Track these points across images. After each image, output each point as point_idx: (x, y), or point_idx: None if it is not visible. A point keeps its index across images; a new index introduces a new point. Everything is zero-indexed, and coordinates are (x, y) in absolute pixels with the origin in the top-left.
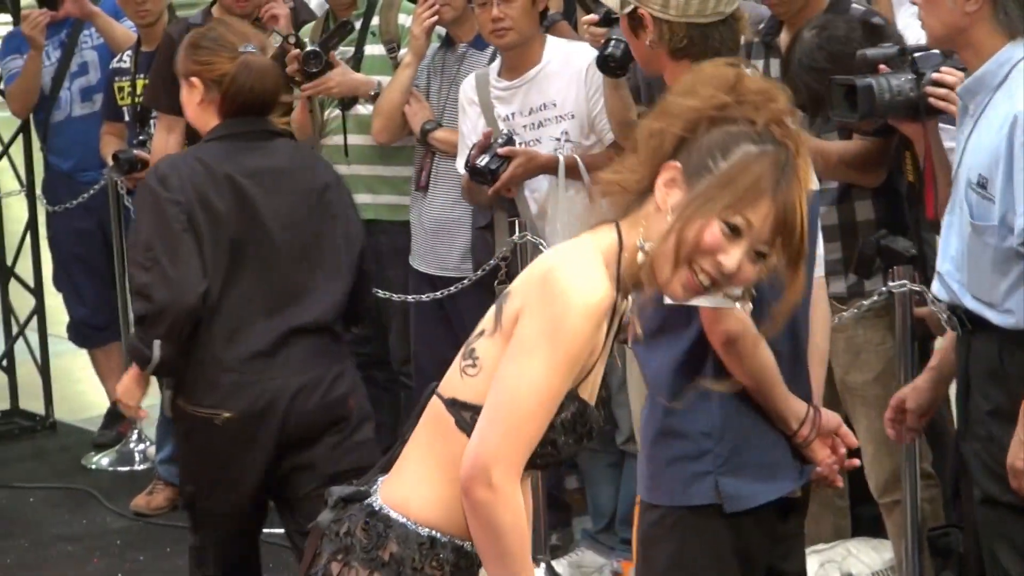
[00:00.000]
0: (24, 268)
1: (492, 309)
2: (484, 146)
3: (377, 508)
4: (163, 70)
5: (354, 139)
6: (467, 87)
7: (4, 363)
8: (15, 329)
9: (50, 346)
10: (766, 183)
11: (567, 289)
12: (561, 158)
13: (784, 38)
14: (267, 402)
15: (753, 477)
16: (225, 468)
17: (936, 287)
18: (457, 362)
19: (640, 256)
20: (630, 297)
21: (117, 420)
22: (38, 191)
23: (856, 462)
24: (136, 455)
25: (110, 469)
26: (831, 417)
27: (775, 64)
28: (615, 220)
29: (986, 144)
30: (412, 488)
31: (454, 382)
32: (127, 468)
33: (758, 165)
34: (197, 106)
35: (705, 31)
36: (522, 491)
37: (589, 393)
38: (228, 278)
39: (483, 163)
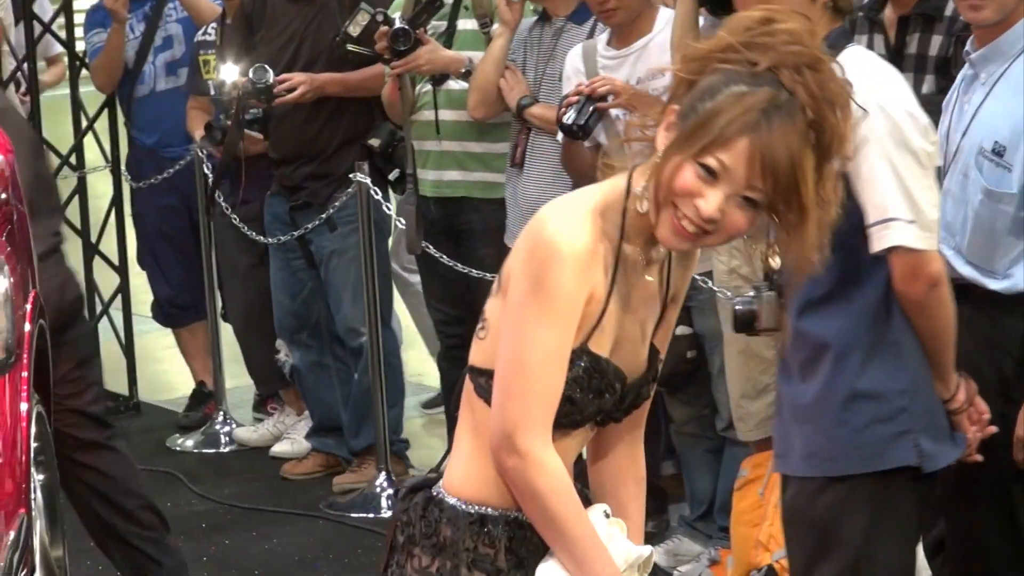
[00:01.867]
0: (108, 246)
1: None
2: (571, 102)
3: (435, 493)
4: (235, 39)
5: (445, 115)
6: (573, 56)
7: None
8: (99, 308)
9: (134, 325)
10: (743, 123)
11: (546, 242)
12: None
13: (889, 14)
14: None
15: (941, 437)
16: None
17: None
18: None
19: (644, 204)
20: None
21: (202, 401)
22: (122, 167)
23: (994, 429)
24: (222, 437)
25: (195, 451)
26: (971, 385)
27: (879, 40)
28: (631, 167)
29: (1005, 112)
30: (460, 466)
31: (473, 349)
32: (212, 450)
33: (738, 105)
34: None
35: None
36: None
37: (605, 347)
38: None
39: (570, 120)
